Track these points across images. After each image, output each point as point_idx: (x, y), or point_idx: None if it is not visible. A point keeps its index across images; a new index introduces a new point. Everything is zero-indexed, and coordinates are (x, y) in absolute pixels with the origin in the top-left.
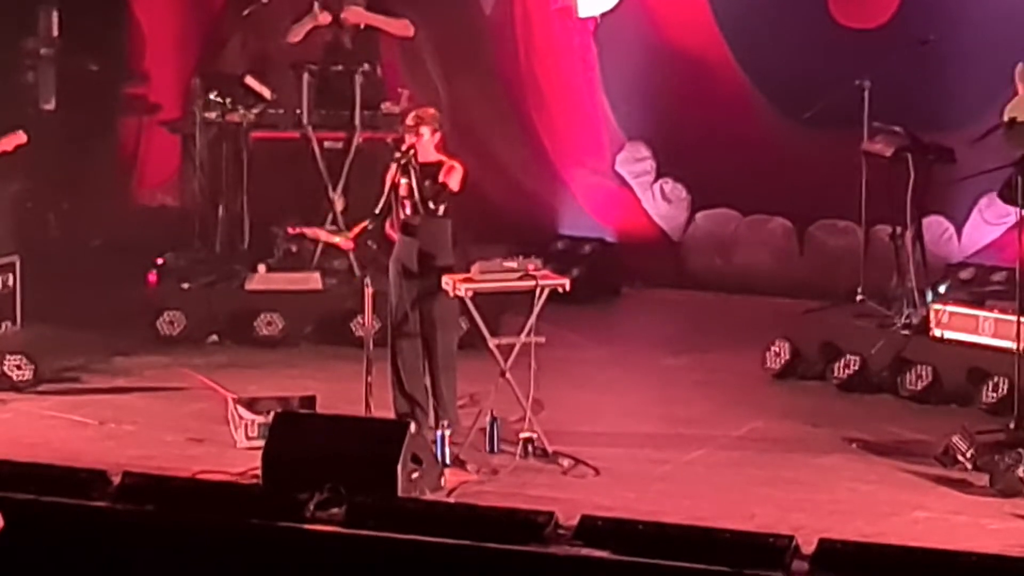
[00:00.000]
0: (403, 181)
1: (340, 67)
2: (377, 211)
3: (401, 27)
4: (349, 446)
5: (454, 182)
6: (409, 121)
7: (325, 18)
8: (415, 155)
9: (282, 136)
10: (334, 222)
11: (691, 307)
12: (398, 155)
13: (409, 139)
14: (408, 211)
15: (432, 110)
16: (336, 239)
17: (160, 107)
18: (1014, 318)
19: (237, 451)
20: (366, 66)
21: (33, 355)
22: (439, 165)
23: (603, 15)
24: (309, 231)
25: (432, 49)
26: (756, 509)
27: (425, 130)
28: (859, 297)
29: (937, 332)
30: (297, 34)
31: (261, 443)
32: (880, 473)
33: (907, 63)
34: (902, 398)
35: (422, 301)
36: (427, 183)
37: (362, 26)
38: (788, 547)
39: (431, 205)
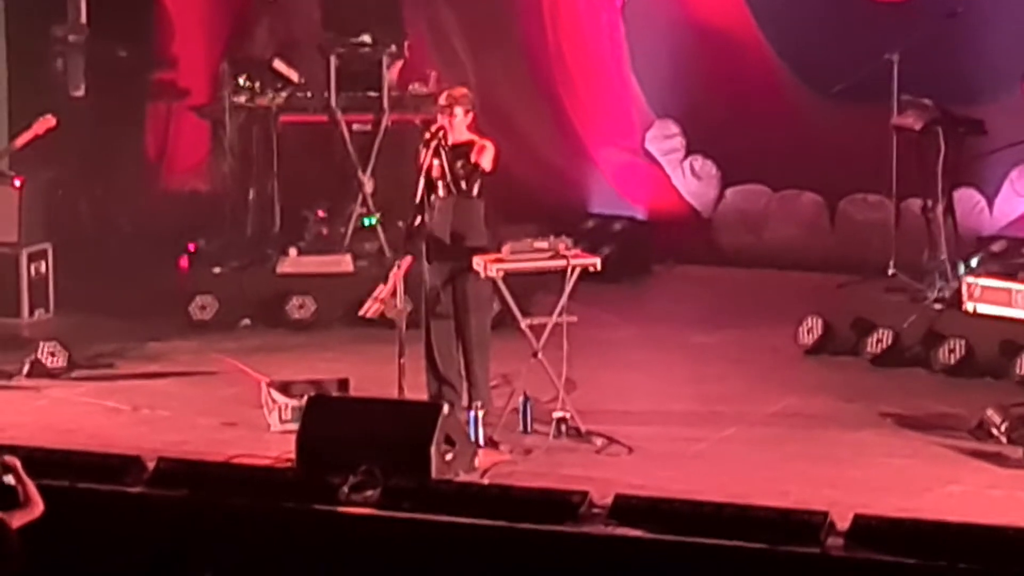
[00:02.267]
0: (435, 163)
1: (367, 49)
2: (417, 201)
3: None
4: (383, 429)
5: (487, 162)
6: (442, 101)
7: None
8: (444, 136)
9: (311, 119)
10: (364, 204)
11: (722, 284)
12: (427, 136)
13: (441, 119)
14: (441, 192)
15: (464, 89)
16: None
17: (189, 92)
18: None
19: (271, 435)
20: (393, 47)
21: (66, 342)
22: (471, 145)
23: None
24: (374, 305)
25: (459, 27)
26: (790, 486)
27: (458, 110)
28: (891, 271)
29: (969, 306)
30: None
31: (295, 427)
32: (914, 448)
33: (935, 35)
34: (935, 372)
35: (455, 282)
36: (459, 163)
37: None
38: (823, 523)
39: (464, 186)
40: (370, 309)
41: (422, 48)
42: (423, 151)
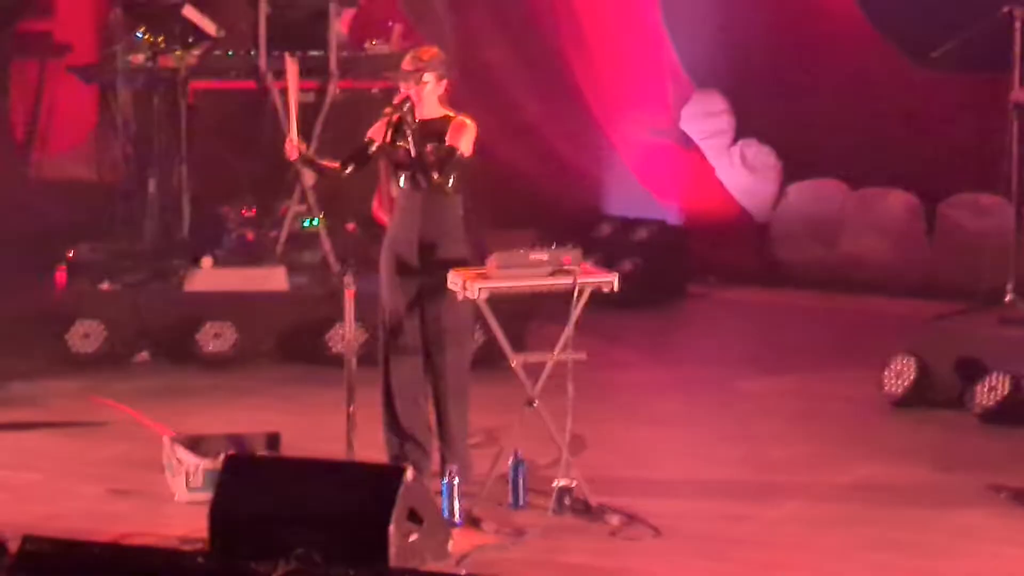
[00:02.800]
0: (398, 144)
1: None
2: (342, 162)
3: None
4: (325, 500)
5: (466, 144)
6: (406, 64)
7: None
8: (412, 109)
9: (232, 86)
10: (303, 199)
11: (782, 312)
12: (389, 109)
13: (406, 88)
14: (404, 184)
15: (436, 50)
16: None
17: (69, 48)
18: None
19: (175, 507)
20: None
21: None
22: (445, 123)
23: None
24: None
25: None
26: None
27: (429, 77)
28: (1008, 297)
29: None
30: None
31: (208, 495)
32: None
33: None
34: None
35: (425, 305)
36: (430, 146)
37: None
38: None
39: (436, 176)
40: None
41: None
42: (382, 124)
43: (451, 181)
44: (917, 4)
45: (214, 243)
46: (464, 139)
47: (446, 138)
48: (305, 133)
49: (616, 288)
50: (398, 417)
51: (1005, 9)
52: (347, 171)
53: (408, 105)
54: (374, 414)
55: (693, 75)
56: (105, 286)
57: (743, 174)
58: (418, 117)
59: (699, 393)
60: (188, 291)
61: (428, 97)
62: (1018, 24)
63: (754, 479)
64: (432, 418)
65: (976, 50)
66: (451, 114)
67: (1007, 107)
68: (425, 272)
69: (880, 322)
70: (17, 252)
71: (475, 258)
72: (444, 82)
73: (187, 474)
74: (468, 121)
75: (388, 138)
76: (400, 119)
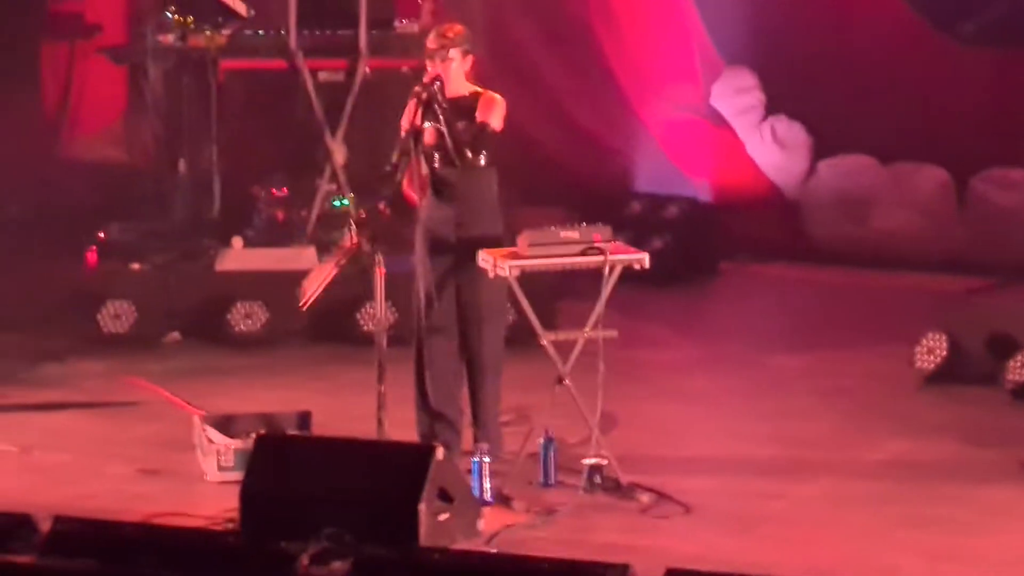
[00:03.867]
0: (428, 124)
1: None
2: (391, 165)
3: None
4: (355, 479)
5: (496, 119)
6: (431, 43)
7: None
8: (442, 88)
9: (263, 66)
10: (333, 179)
11: (813, 288)
12: (418, 88)
13: (432, 67)
14: (437, 163)
15: (460, 27)
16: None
17: (99, 28)
18: None
19: (206, 486)
20: None
21: None
22: (473, 99)
23: None
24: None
25: None
26: (899, 559)
27: (454, 53)
28: None
29: None
30: None
31: (238, 476)
32: None
33: None
34: None
35: (459, 283)
36: (461, 124)
37: None
38: None
39: (469, 153)
40: (309, 297)
41: None
42: (412, 104)
43: (484, 158)
44: None
45: (244, 223)
46: (495, 114)
47: (476, 114)
48: (335, 113)
49: (647, 265)
50: (429, 395)
51: None
52: (403, 175)
53: (438, 84)
54: (404, 394)
55: (723, 51)
56: (136, 266)
57: (774, 150)
58: (448, 94)
59: (730, 370)
60: (218, 271)
61: (455, 74)
62: None
63: (784, 456)
64: (464, 396)
65: (1008, 24)
66: (479, 90)
67: None
68: (460, 250)
69: (911, 298)
70: (48, 233)
71: (507, 236)
72: (470, 58)
73: (218, 454)
74: (497, 96)
75: (419, 118)
76: (430, 98)
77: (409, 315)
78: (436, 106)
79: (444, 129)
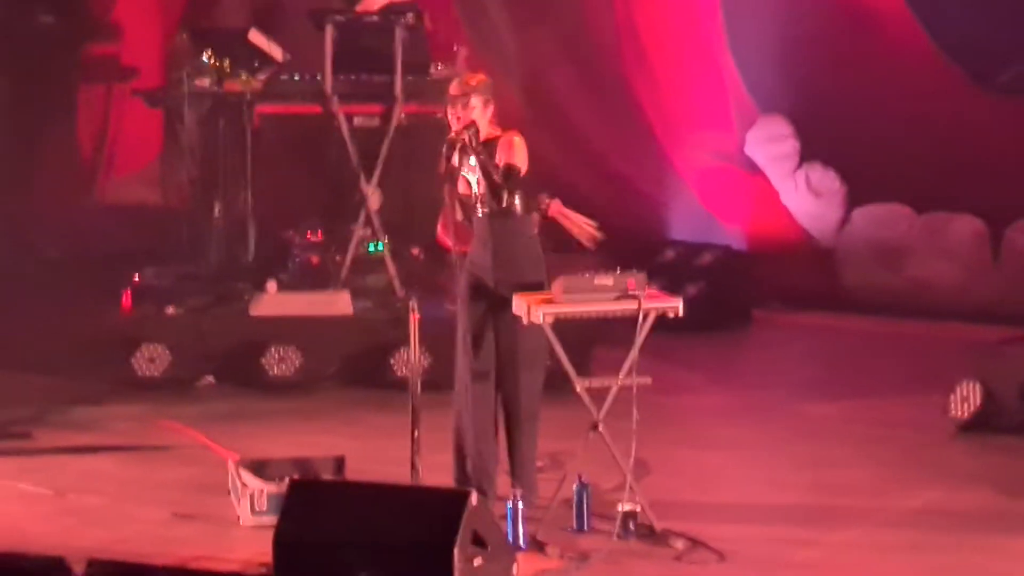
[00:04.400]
0: (466, 170)
1: (375, 17)
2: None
3: None
4: (389, 523)
5: (520, 159)
6: (453, 89)
7: None
8: (477, 133)
9: (298, 110)
10: (367, 224)
11: (847, 336)
12: (453, 136)
13: (453, 113)
14: (475, 210)
15: (483, 76)
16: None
17: (136, 72)
18: None
19: (240, 531)
20: (410, 16)
21: None
22: (494, 142)
23: None
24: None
25: None
26: None
27: (476, 101)
28: None
29: None
30: None
31: (272, 520)
32: None
33: None
34: None
35: (500, 328)
36: (494, 170)
37: None
38: None
39: (506, 197)
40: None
41: (449, 18)
42: (449, 154)
43: (518, 201)
44: (983, 27)
45: (279, 267)
46: (516, 155)
47: (497, 157)
48: (370, 158)
49: (680, 313)
50: (467, 439)
51: None
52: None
53: (473, 130)
54: (439, 438)
55: (757, 99)
56: (170, 310)
57: (808, 198)
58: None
59: (764, 418)
60: (253, 315)
61: (478, 121)
62: None
63: (819, 504)
64: (500, 441)
65: None
66: (500, 132)
67: None
68: (499, 296)
69: (946, 347)
70: (84, 275)
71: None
72: (491, 107)
73: (252, 498)
74: (515, 137)
75: (455, 163)
76: (465, 145)
77: (443, 360)
78: (472, 152)
79: (479, 175)
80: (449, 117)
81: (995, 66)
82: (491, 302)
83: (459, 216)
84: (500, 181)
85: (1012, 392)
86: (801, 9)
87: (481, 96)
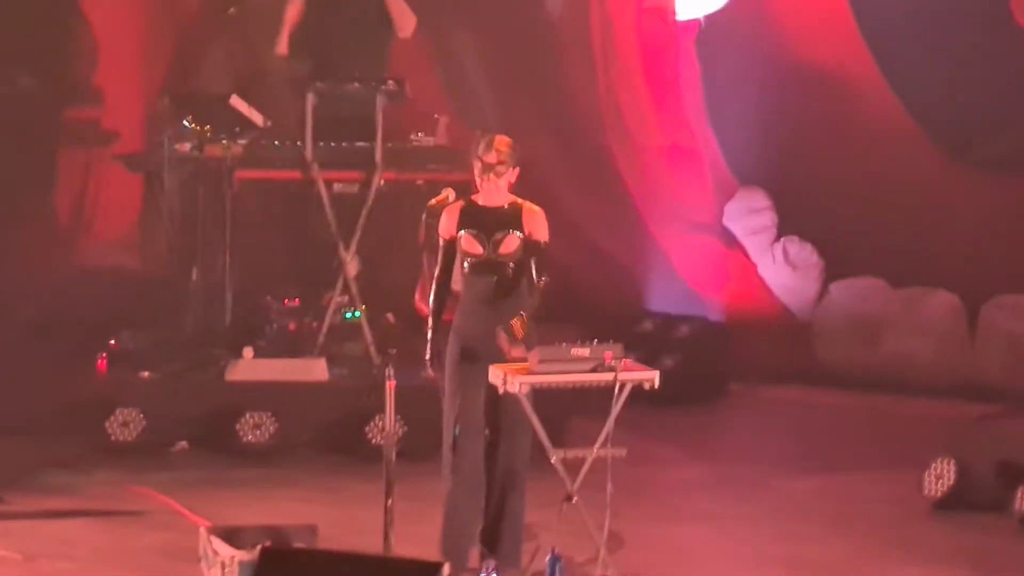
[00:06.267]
0: (465, 233)
1: (357, 84)
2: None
3: (405, 16)
4: None
5: (545, 233)
6: (489, 158)
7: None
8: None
9: (277, 176)
10: (345, 291)
11: (824, 411)
12: (434, 203)
13: (484, 182)
14: (480, 276)
15: (509, 139)
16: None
17: (116, 136)
18: None
19: None
20: (391, 83)
21: None
22: (513, 210)
23: (708, 16)
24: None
25: (479, 62)
26: None
27: (507, 168)
28: None
29: None
30: (281, 43)
31: None
32: None
33: None
34: None
35: (495, 395)
36: (500, 234)
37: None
38: None
39: (543, 279)
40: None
41: (430, 87)
42: (429, 222)
43: (535, 271)
44: (960, 101)
45: (256, 333)
46: (543, 228)
47: (525, 229)
48: (349, 224)
49: (657, 385)
50: (459, 507)
51: None
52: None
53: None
54: (413, 507)
55: (736, 172)
56: (146, 374)
57: (785, 271)
58: (487, 204)
59: (740, 492)
60: (228, 381)
61: (503, 187)
62: None
63: None
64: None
65: (1021, 151)
66: (517, 200)
67: None
68: (495, 363)
69: (921, 423)
70: (60, 339)
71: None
72: (516, 170)
73: (223, 566)
74: (537, 208)
75: (457, 230)
76: (465, 209)
77: (419, 428)
78: (472, 215)
79: (487, 241)
80: (479, 184)
81: (972, 140)
82: (485, 369)
83: (456, 281)
84: (519, 251)
85: (987, 470)
86: (781, 83)
87: (515, 161)
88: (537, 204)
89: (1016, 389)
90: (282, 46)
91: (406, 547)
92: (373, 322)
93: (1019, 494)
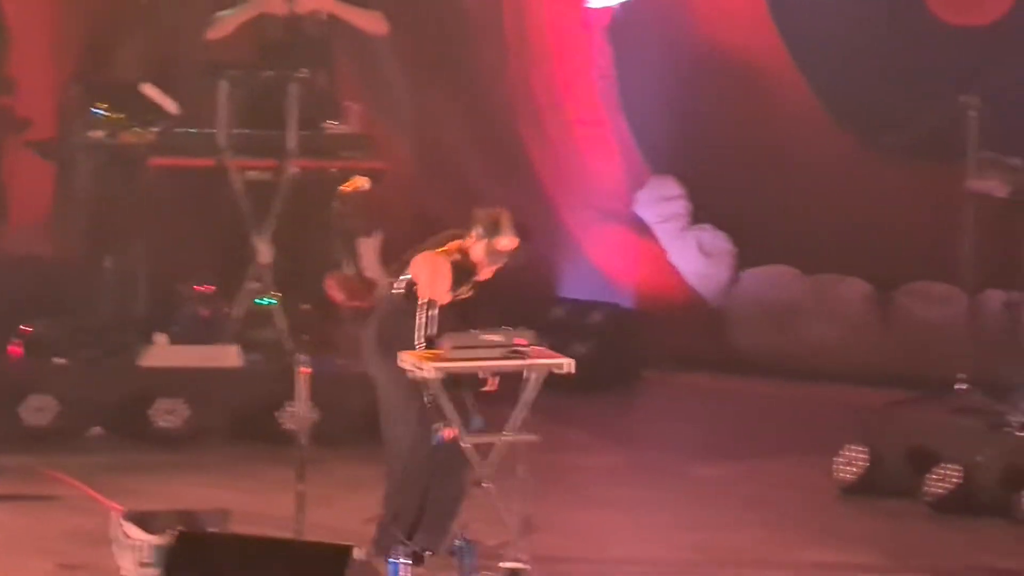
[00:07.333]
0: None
1: (271, 72)
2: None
3: (372, 21)
4: None
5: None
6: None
7: (277, 6)
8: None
9: (191, 163)
10: (258, 278)
11: (736, 398)
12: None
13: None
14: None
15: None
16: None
17: (29, 123)
18: None
19: None
20: (304, 71)
21: None
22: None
23: (620, 4)
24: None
25: (394, 52)
26: None
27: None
28: (961, 386)
29: None
30: (225, 27)
31: (157, 572)
32: None
33: None
34: (1018, 523)
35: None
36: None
37: (324, 17)
38: None
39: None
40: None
41: (343, 76)
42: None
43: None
44: (871, 89)
45: (170, 320)
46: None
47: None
48: (262, 211)
49: (571, 371)
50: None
51: (962, 99)
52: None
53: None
54: (324, 493)
55: (649, 160)
56: (59, 361)
57: (697, 259)
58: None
59: (651, 478)
60: (142, 367)
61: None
62: (972, 113)
63: (706, 563)
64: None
65: (931, 139)
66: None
67: (962, 196)
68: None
69: (833, 409)
70: None
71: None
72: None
73: (136, 550)
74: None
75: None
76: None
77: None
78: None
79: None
80: (480, 265)
81: (883, 127)
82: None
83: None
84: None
85: (897, 455)
86: (694, 72)
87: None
88: (448, 190)
89: (927, 375)
90: (222, 32)
91: (318, 532)
92: (288, 308)
93: (930, 479)
